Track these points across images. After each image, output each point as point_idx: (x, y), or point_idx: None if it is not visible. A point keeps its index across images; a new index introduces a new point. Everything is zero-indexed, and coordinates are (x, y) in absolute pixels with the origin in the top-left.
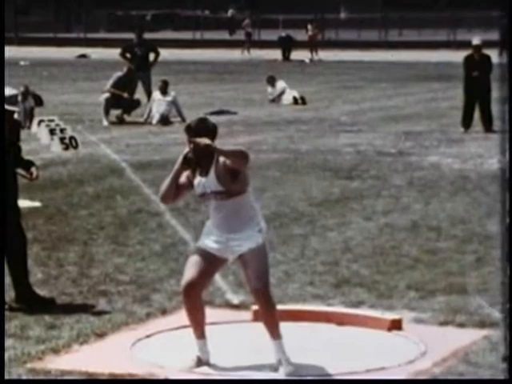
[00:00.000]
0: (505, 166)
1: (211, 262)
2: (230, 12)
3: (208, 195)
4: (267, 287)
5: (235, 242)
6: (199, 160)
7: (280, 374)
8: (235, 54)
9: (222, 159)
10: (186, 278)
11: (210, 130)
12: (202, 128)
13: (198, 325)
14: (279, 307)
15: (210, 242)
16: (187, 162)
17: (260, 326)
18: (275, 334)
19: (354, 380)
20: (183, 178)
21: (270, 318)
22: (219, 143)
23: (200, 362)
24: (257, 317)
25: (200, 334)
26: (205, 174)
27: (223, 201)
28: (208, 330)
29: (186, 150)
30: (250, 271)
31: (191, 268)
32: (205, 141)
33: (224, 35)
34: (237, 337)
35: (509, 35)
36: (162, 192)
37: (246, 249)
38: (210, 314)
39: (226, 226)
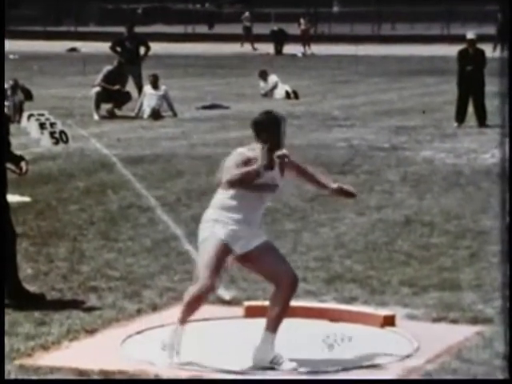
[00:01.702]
0: (503, 160)
1: (227, 259)
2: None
3: (270, 187)
4: None
5: (255, 234)
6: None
7: (280, 367)
8: (227, 48)
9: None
10: (211, 280)
11: (277, 123)
12: (269, 121)
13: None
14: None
15: (236, 238)
16: (269, 167)
17: (252, 322)
18: (276, 327)
19: (347, 379)
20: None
21: (285, 308)
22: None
23: (165, 347)
24: (248, 313)
25: (183, 321)
26: (270, 167)
27: (272, 194)
28: (199, 326)
29: (252, 153)
30: (273, 257)
31: (215, 269)
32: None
33: (216, 29)
34: (228, 333)
35: (509, 28)
36: (235, 179)
37: (265, 238)
38: (202, 309)
39: (258, 221)
